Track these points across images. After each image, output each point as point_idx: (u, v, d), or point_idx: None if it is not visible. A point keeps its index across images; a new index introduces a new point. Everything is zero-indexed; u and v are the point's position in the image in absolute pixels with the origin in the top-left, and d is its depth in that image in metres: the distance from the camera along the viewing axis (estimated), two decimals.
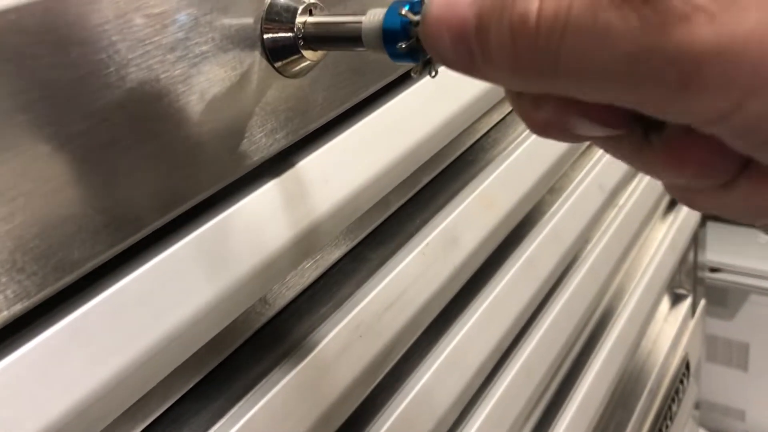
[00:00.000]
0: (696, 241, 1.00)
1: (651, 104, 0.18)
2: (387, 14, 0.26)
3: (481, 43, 0.20)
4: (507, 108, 0.53)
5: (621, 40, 0.17)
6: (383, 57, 0.27)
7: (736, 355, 1.50)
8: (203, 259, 0.29)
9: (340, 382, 0.35)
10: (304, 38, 0.30)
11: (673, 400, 0.88)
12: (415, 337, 0.41)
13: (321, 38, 0.29)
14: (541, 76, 0.19)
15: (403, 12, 0.25)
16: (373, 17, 0.27)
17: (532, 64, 0.19)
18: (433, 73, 0.26)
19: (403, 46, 0.26)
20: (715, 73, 0.16)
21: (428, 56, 0.25)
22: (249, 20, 0.29)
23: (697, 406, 1.12)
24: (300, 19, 0.30)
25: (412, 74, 0.27)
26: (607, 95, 0.19)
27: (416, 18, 0.25)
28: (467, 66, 0.21)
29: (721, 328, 1.47)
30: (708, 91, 0.16)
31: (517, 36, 0.19)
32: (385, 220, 0.42)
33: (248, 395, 0.32)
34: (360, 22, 0.27)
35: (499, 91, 0.48)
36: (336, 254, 0.38)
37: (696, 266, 1.03)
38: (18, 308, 0.23)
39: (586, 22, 0.17)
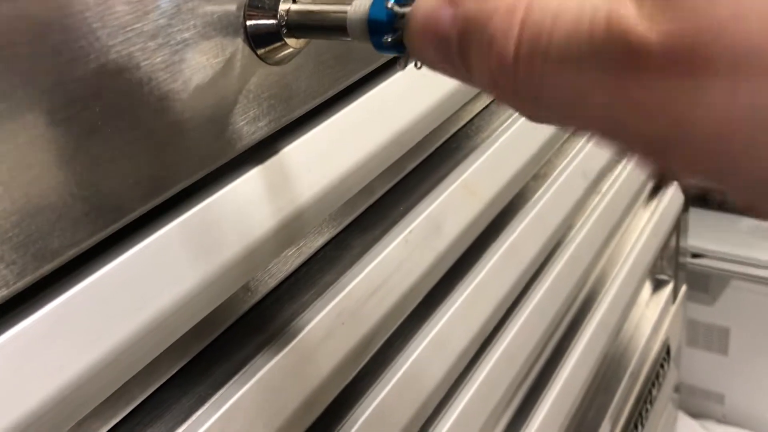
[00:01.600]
0: (678, 227, 1.01)
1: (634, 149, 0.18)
2: (373, 5, 0.26)
3: (463, 62, 0.21)
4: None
5: (596, 94, 0.17)
6: (368, 46, 0.27)
7: (716, 340, 1.52)
8: (185, 246, 0.29)
9: (322, 369, 0.35)
10: (287, 26, 0.29)
11: (653, 384, 0.89)
12: (397, 324, 0.41)
13: (304, 27, 0.29)
14: (523, 103, 0.20)
15: (390, 5, 0.25)
16: (358, 7, 0.27)
17: (512, 93, 0.20)
18: (419, 65, 0.26)
19: (389, 39, 0.25)
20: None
21: None
22: (232, 7, 0.29)
23: (677, 389, 1.13)
24: (283, 7, 0.29)
25: (398, 66, 0.27)
26: (589, 131, 0.19)
27: (402, 11, 0.25)
28: (452, 75, 0.22)
29: (702, 312, 1.48)
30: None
31: (494, 70, 0.19)
32: (369, 207, 0.42)
33: (230, 382, 0.32)
34: (345, 12, 0.27)
35: None
36: (319, 241, 0.39)
37: (678, 252, 1.04)
38: None
39: (561, 74, 0.18)
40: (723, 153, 0.16)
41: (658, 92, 0.16)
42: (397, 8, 0.25)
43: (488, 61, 0.19)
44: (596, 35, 0.17)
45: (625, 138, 0.18)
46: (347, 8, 0.27)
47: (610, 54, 0.17)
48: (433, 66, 0.23)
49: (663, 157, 0.17)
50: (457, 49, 0.21)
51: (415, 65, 0.26)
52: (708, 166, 0.16)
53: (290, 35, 0.30)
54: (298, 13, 0.29)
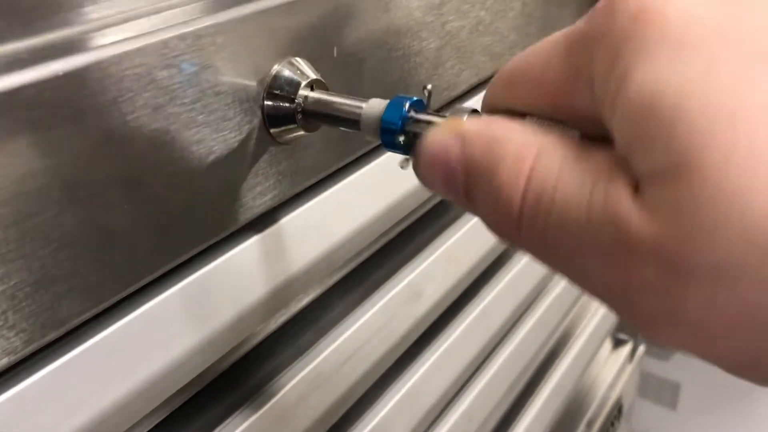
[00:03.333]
0: None
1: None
2: (388, 108, 0.28)
3: (469, 201, 0.22)
4: None
5: (592, 260, 0.18)
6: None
7: (667, 394, 1.55)
8: (182, 312, 0.30)
9: (293, 430, 0.36)
10: (303, 112, 0.31)
11: None
12: (368, 387, 0.42)
13: (319, 114, 0.31)
14: (523, 247, 0.21)
15: (405, 110, 0.27)
16: (373, 107, 0.28)
17: (514, 238, 0.21)
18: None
19: (399, 141, 0.27)
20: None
21: None
22: (253, 88, 0.30)
23: None
24: (302, 92, 0.31)
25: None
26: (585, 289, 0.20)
27: (417, 116, 0.27)
28: (457, 205, 0.23)
29: (656, 366, 1.52)
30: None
31: (499, 216, 0.21)
32: (353, 269, 0.44)
33: None
34: (360, 107, 0.29)
35: None
36: (304, 301, 0.40)
37: None
38: (4, 362, 0.24)
39: (561, 235, 0.19)
40: (705, 338, 0.17)
41: (649, 275, 0.17)
42: (413, 113, 0.27)
43: (493, 206, 0.21)
44: (594, 213, 0.18)
45: (618, 305, 0.19)
46: (363, 104, 0.29)
47: (605, 232, 0.18)
48: (440, 194, 0.24)
49: (653, 328, 0.18)
50: (464, 188, 0.22)
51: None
52: (690, 346, 0.18)
53: (305, 120, 0.31)
54: (316, 101, 0.31)
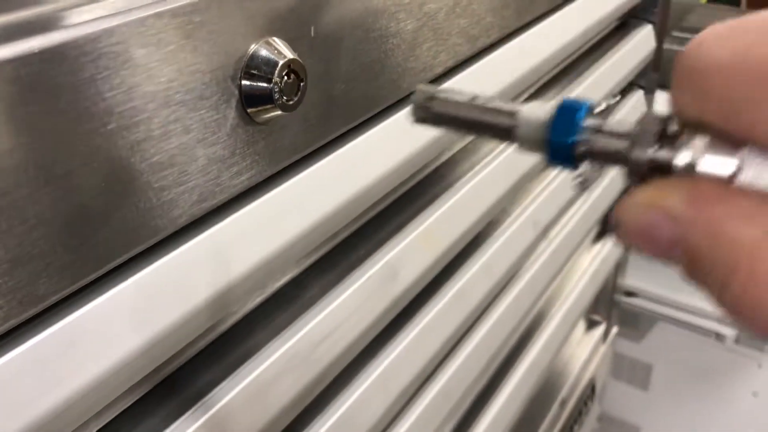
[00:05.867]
0: (618, 269, 1.05)
1: None
2: (558, 118, 0.22)
3: (690, 276, 0.19)
4: (456, 147, 0.55)
5: None
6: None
7: (639, 375, 1.58)
8: (161, 290, 0.30)
9: (269, 409, 0.37)
10: (428, 115, 0.25)
11: (575, 421, 0.93)
12: (344, 367, 0.43)
13: (451, 118, 0.25)
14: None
15: (581, 118, 0.22)
16: (534, 114, 0.23)
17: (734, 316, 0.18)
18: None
19: (573, 155, 0.22)
20: None
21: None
22: (230, 68, 0.30)
23: (600, 419, 1.18)
24: (421, 96, 0.25)
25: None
26: None
27: (594, 126, 0.22)
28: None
29: (628, 348, 1.54)
30: None
31: (725, 305, 0.18)
32: (330, 249, 0.44)
33: (182, 417, 0.33)
34: (515, 114, 0.23)
35: (451, 137, 0.50)
36: (281, 281, 0.40)
37: (614, 292, 1.08)
38: None
39: None
40: None
41: None
42: (589, 122, 0.22)
43: (719, 296, 0.18)
44: None
45: None
46: (519, 109, 0.24)
47: None
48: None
49: None
50: (686, 271, 0.19)
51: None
52: None
53: (290, 97, 0.31)
54: (456, 103, 0.25)
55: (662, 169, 0.20)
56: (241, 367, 0.36)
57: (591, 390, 1.01)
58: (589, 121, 0.22)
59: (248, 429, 0.36)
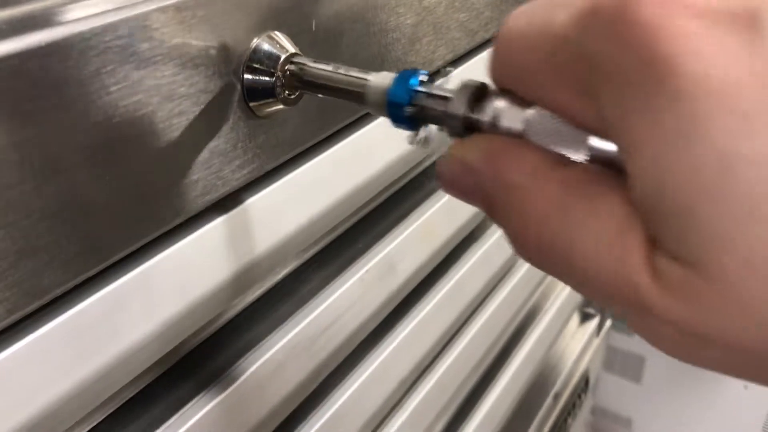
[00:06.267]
0: None
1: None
2: (397, 82, 0.26)
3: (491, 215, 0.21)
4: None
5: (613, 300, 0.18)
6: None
7: (631, 368, 1.58)
8: (165, 282, 0.30)
9: (270, 399, 0.37)
10: (301, 81, 0.30)
11: (569, 413, 0.93)
12: (343, 358, 0.43)
13: (319, 85, 0.30)
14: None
15: (415, 80, 0.25)
16: (380, 80, 0.27)
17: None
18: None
19: (407, 115, 0.26)
20: None
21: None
22: (233, 62, 0.30)
23: (593, 412, 1.18)
24: (300, 60, 0.30)
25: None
26: None
27: (425, 90, 0.25)
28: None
29: (622, 340, 1.55)
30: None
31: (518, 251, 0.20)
32: (329, 243, 0.44)
33: (182, 409, 0.34)
34: (366, 80, 0.27)
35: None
36: (280, 274, 0.40)
37: None
38: None
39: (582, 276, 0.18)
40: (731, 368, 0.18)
41: (667, 331, 0.17)
42: (420, 87, 0.25)
43: (511, 240, 0.20)
44: (610, 273, 0.17)
45: (633, 327, 0.19)
46: (369, 77, 0.28)
47: (622, 295, 0.17)
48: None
49: (673, 355, 0.18)
50: (489, 215, 0.21)
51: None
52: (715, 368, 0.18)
53: (300, 89, 0.31)
54: (317, 72, 0.30)
55: (474, 128, 0.22)
56: (242, 359, 0.36)
57: (585, 383, 1.01)
58: (422, 87, 0.25)
59: (250, 418, 0.36)
